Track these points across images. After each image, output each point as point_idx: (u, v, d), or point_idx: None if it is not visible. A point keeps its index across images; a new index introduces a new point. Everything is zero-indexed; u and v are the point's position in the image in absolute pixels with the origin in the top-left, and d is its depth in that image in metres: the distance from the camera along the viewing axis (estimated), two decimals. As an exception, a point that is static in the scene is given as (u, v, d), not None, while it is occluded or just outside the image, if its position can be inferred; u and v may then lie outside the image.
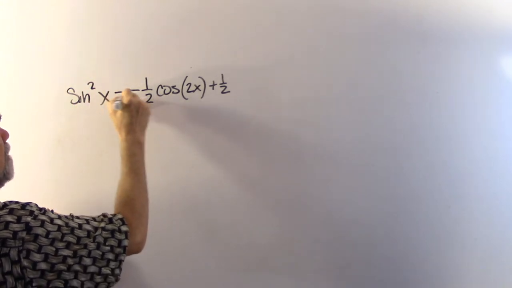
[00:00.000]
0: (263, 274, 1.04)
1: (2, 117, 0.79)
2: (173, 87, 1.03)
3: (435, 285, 1.04)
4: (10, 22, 1.06)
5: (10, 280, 0.65)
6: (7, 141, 0.82)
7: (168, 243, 1.04)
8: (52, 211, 0.75)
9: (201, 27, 1.02)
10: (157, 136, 1.03)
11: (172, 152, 1.03)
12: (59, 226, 0.71)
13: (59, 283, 0.68)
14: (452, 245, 1.04)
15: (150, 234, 1.03)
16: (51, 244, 0.69)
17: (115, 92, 1.03)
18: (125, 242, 0.78)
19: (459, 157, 1.03)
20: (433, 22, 1.02)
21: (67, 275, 0.69)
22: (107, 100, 1.03)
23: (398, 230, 1.03)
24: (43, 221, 0.69)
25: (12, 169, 0.81)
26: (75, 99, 1.04)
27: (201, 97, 1.03)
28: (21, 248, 0.66)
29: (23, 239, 0.66)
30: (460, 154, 1.03)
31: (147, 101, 1.03)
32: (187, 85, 1.03)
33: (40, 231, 0.68)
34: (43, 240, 0.68)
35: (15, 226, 0.67)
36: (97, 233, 0.75)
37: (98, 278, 0.73)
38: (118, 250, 0.77)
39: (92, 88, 1.03)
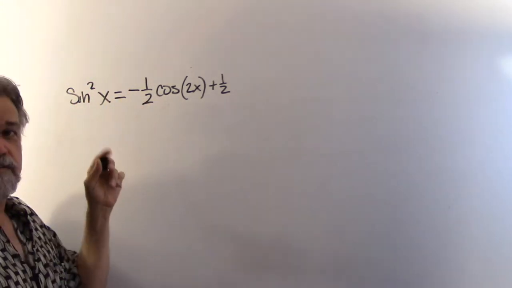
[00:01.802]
0: (263, 274, 1.04)
1: None
2: (173, 87, 1.03)
3: (435, 285, 1.04)
4: (9, 22, 1.06)
5: None
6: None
7: (167, 243, 1.04)
8: None
9: (201, 27, 1.02)
10: (156, 136, 1.03)
11: (172, 152, 1.03)
12: None
13: None
14: (452, 245, 1.03)
15: (150, 234, 1.04)
16: None
17: (115, 92, 1.03)
18: None
19: (459, 157, 1.02)
20: (433, 22, 1.02)
21: None
22: (107, 100, 1.03)
23: (398, 230, 1.03)
24: None
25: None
26: (75, 99, 1.04)
27: (201, 97, 1.03)
28: None
29: None
30: (460, 154, 1.03)
31: (147, 101, 1.03)
32: (187, 85, 1.03)
33: None
34: None
35: None
36: None
37: None
38: None
39: (91, 88, 1.03)
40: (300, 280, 1.04)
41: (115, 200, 0.90)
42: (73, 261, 0.93)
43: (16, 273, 0.74)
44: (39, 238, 0.86)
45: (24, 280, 0.75)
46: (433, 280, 1.03)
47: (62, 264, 0.89)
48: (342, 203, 1.03)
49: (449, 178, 1.03)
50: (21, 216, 0.84)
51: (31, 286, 0.76)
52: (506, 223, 1.03)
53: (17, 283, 0.73)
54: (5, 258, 0.74)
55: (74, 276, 0.91)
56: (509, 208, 1.03)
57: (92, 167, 0.85)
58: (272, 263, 1.04)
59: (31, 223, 0.85)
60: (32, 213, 0.89)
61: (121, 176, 0.90)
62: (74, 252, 0.95)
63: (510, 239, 1.03)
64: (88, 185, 0.86)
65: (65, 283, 0.87)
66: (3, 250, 0.74)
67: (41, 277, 0.79)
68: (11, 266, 0.74)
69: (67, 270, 0.90)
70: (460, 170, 1.02)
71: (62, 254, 0.91)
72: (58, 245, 0.92)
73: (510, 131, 1.03)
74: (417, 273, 1.03)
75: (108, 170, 0.86)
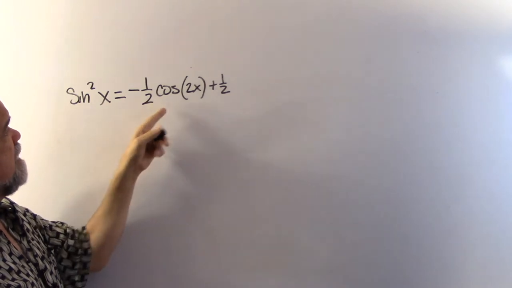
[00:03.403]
0: (263, 274, 1.04)
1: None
2: (173, 87, 1.03)
3: (435, 285, 1.04)
4: (9, 21, 1.06)
5: None
6: (19, 141, 0.79)
7: (167, 243, 1.04)
8: None
9: (201, 27, 1.02)
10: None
11: (172, 152, 1.03)
12: None
13: None
14: (451, 245, 1.04)
15: (150, 234, 1.04)
16: None
17: (115, 92, 1.03)
18: None
19: (459, 157, 1.03)
20: (433, 22, 1.02)
21: None
22: (107, 100, 1.03)
23: (397, 230, 1.03)
24: None
25: (25, 173, 0.78)
26: (75, 99, 1.04)
27: (201, 97, 1.03)
28: None
29: None
30: (460, 154, 1.03)
31: (147, 101, 1.03)
32: (187, 85, 1.03)
33: None
34: None
35: None
36: None
37: None
38: None
39: (92, 88, 1.03)
40: (300, 281, 1.04)
41: (147, 166, 0.97)
42: (65, 232, 0.91)
43: (28, 275, 0.73)
44: (27, 230, 0.83)
45: (36, 280, 0.74)
46: (432, 280, 1.03)
47: (52, 252, 0.87)
48: (341, 203, 1.03)
49: (448, 178, 1.03)
50: (8, 213, 0.81)
51: (40, 284, 0.75)
52: (506, 222, 1.03)
53: (32, 284, 0.72)
54: (14, 262, 0.72)
55: (68, 247, 0.89)
56: (508, 208, 1.03)
57: (150, 128, 0.96)
58: (272, 263, 1.04)
59: (20, 218, 0.82)
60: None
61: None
62: (62, 223, 0.94)
63: (509, 239, 1.03)
64: (140, 143, 0.92)
65: (57, 272, 0.86)
66: (10, 254, 0.73)
67: (44, 273, 0.78)
68: (22, 269, 0.73)
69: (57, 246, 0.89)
70: (459, 170, 1.03)
71: (45, 237, 0.88)
72: (40, 228, 0.88)
73: (510, 131, 1.03)
74: (417, 273, 1.04)
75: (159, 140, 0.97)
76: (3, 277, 0.68)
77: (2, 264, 0.70)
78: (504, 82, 1.03)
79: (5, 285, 0.67)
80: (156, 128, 0.97)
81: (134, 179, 0.95)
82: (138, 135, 0.95)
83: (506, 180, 1.03)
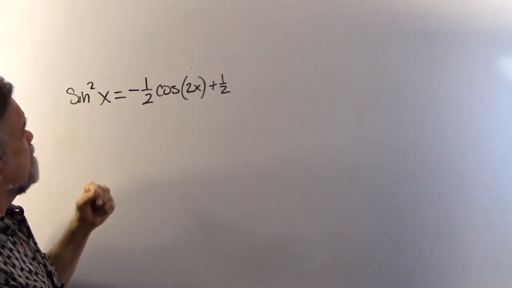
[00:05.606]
0: (263, 274, 1.04)
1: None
2: (173, 87, 1.03)
3: (435, 285, 1.04)
4: (9, 22, 1.06)
5: None
6: (32, 142, 0.80)
7: (167, 243, 1.04)
8: None
9: (201, 27, 1.02)
10: (156, 136, 1.03)
11: (172, 152, 1.03)
12: None
13: None
14: (451, 245, 1.04)
15: (150, 234, 1.04)
16: None
17: (115, 92, 1.03)
18: None
19: (459, 158, 1.03)
20: (433, 22, 1.02)
21: None
22: (107, 100, 1.03)
23: (397, 231, 1.03)
24: None
25: (38, 172, 0.78)
26: (75, 99, 1.04)
27: (201, 97, 1.03)
28: None
29: None
30: (460, 155, 1.03)
31: (147, 101, 1.03)
32: (187, 85, 1.03)
33: None
34: None
35: None
36: None
37: None
38: None
39: (91, 88, 1.03)
40: (300, 281, 1.04)
41: (101, 222, 0.91)
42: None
43: (43, 276, 0.72)
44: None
45: (47, 281, 0.74)
46: (432, 280, 1.03)
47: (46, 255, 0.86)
48: (341, 204, 1.03)
49: (448, 178, 1.03)
50: (15, 214, 0.80)
51: (49, 286, 0.74)
52: (506, 223, 1.03)
53: (48, 286, 0.72)
54: (31, 263, 0.71)
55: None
56: (508, 208, 1.03)
57: (87, 191, 0.87)
58: (272, 264, 1.04)
59: (26, 219, 0.82)
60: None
61: (110, 199, 0.91)
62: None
63: (509, 240, 1.03)
64: (80, 207, 0.87)
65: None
66: (25, 255, 0.72)
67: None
68: (38, 270, 0.72)
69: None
70: (459, 170, 1.03)
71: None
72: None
73: (510, 131, 1.03)
74: (416, 273, 1.04)
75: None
76: (28, 278, 0.67)
77: (23, 265, 0.69)
78: (504, 82, 1.03)
79: (32, 285, 0.66)
80: (91, 191, 0.87)
81: (87, 234, 0.91)
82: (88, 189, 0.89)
83: (505, 180, 1.03)
